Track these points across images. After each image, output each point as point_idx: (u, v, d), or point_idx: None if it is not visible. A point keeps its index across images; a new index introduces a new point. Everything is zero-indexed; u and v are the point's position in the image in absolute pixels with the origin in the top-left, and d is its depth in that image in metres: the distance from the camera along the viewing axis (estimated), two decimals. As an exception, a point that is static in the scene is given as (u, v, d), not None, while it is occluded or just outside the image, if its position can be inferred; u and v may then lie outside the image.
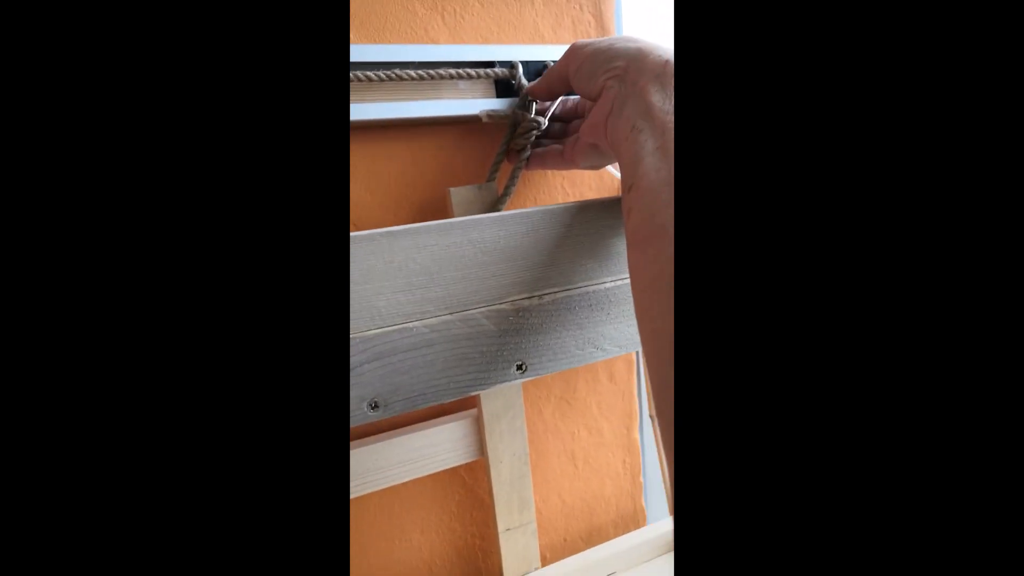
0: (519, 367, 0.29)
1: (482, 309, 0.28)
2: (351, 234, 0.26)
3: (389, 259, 0.26)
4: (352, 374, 0.26)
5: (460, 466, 0.50)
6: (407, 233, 0.26)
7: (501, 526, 0.48)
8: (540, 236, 0.29)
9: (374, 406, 0.27)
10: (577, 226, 0.30)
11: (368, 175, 0.44)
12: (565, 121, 0.43)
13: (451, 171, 0.45)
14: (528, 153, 0.42)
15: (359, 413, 0.27)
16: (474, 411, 0.48)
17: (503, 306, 0.29)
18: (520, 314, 0.29)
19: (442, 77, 0.40)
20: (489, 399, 0.45)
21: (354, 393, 0.27)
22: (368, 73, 0.38)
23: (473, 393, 0.29)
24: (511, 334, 0.29)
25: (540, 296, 0.29)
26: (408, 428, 0.46)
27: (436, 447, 0.46)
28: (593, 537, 0.57)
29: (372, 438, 0.46)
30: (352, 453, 0.45)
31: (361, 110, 0.39)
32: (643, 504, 0.59)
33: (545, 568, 0.50)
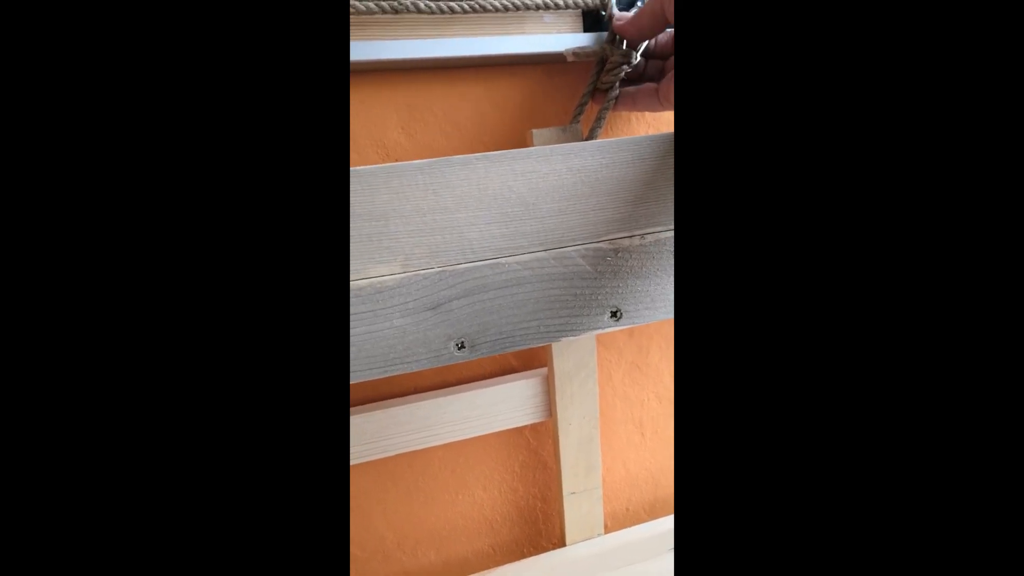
0: (614, 314, 0.27)
1: (578, 247, 0.26)
2: (446, 158, 0.24)
3: (484, 186, 0.24)
4: (440, 310, 0.25)
5: (525, 427, 0.48)
6: (505, 158, 0.24)
7: (566, 489, 0.46)
8: (646, 167, 0.26)
9: (461, 346, 0.25)
10: (689, 158, 0.26)
11: (443, 118, 0.42)
12: (660, 58, 0.39)
13: (532, 114, 0.43)
14: (616, 92, 0.39)
15: (445, 353, 0.25)
16: (543, 370, 0.46)
17: (601, 244, 0.26)
18: (619, 254, 0.26)
19: (527, 7, 0.37)
20: (561, 357, 0.43)
21: (441, 331, 0.25)
22: (451, 4, 0.35)
23: (564, 339, 0.27)
24: (608, 276, 0.26)
25: (642, 235, 0.26)
26: (475, 384, 0.45)
27: (503, 404, 0.45)
28: (657, 509, 0.55)
29: (438, 392, 0.45)
30: (417, 406, 0.44)
31: (439, 46, 0.37)
32: (710, 480, 0.56)
33: (609, 535, 0.48)
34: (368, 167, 0.23)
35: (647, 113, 0.45)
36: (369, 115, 0.40)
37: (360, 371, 0.24)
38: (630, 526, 0.50)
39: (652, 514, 0.54)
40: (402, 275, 0.24)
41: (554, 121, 0.43)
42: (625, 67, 0.37)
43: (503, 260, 0.25)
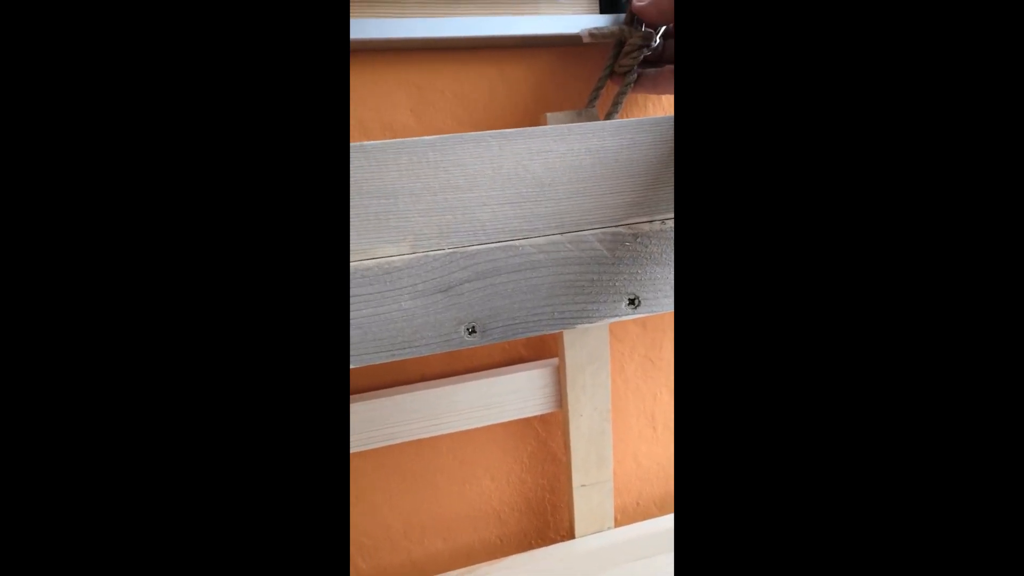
0: (631, 301, 0.26)
1: (596, 231, 0.25)
2: (458, 135, 0.23)
3: (498, 165, 0.23)
4: (450, 293, 0.24)
5: (534, 418, 0.47)
6: (520, 136, 0.23)
7: (576, 481, 0.45)
8: (667, 149, 0.25)
9: (471, 331, 0.25)
10: (713, 138, 0.25)
11: (454, 101, 0.41)
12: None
13: (545, 97, 0.41)
14: (635, 76, 0.37)
15: (455, 338, 0.25)
16: (555, 360, 0.45)
17: (619, 229, 0.25)
18: (638, 240, 0.25)
19: (543, -15, 0.36)
20: (573, 347, 0.42)
21: (451, 315, 0.24)
22: (464, -22, 0.34)
23: (578, 326, 0.26)
24: (626, 262, 0.25)
25: (663, 220, 0.25)
26: (484, 373, 0.45)
27: (513, 395, 0.44)
28: (667, 504, 0.54)
29: (446, 380, 0.44)
30: (425, 394, 0.43)
31: (447, 25, 0.36)
32: (722, 476, 0.55)
33: (618, 529, 0.47)
34: (376, 142, 0.22)
35: (663, 97, 0.44)
36: (377, 96, 0.39)
37: (366, 354, 0.24)
38: (640, 520, 0.49)
39: (663, 509, 0.53)
40: (411, 256, 0.23)
41: (569, 105, 0.41)
42: (644, 49, 0.36)
43: (517, 243, 0.24)
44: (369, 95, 0.39)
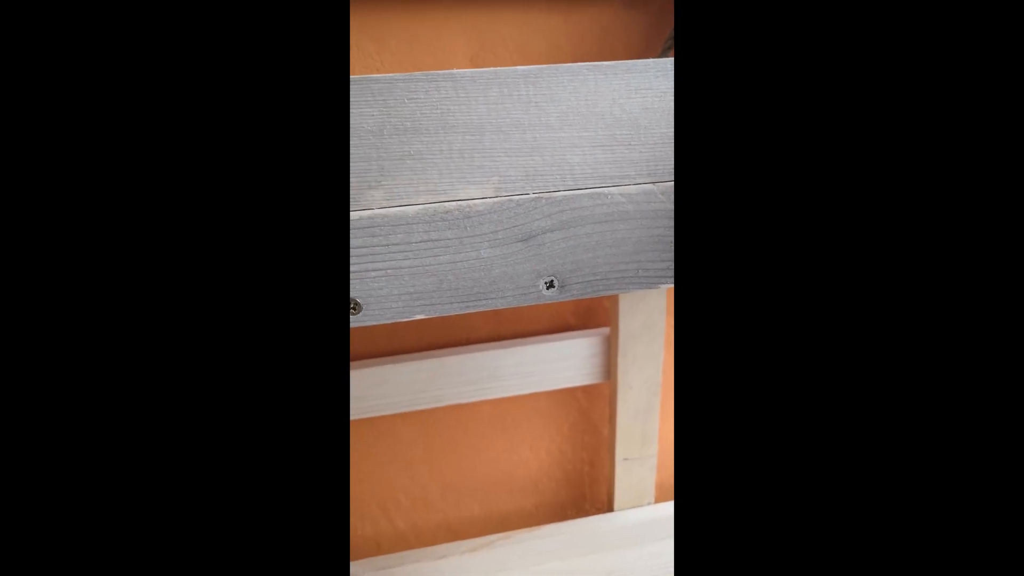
0: (721, 261, 0.24)
1: (691, 182, 0.23)
2: (552, 66, 0.21)
3: (592, 103, 0.21)
4: (531, 243, 0.22)
5: (577, 388, 0.46)
6: (619, 70, 0.21)
7: (619, 455, 0.44)
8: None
9: (550, 284, 0.23)
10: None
11: (516, 51, 0.38)
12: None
13: (612, 47, 0.39)
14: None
15: (533, 291, 0.23)
16: (605, 330, 0.43)
17: (716, 181, 0.23)
18: (736, 193, 0.23)
19: (623, -80, 0.33)
20: (628, 316, 0.40)
21: (530, 267, 0.23)
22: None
23: (661, 286, 0.24)
24: (720, 218, 0.23)
25: (764, 173, 0.23)
26: (532, 339, 0.43)
27: (559, 363, 0.43)
28: (706, 483, 0.52)
29: (492, 344, 0.43)
30: (470, 357, 0.42)
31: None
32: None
33: (660, 504, 0.46)
34: (467, 71, 0.20)
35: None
36: (436, 42, 0.37)
37: (441, 304, 0.22)
38: (679, 497, 0.48)
39: (701, 487, 0.52)
40: (494, 199, 0.21)
41: (639, 54, 0.39)
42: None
43: (606, 190, 0.22)
44: (426, 39, 0.37)
